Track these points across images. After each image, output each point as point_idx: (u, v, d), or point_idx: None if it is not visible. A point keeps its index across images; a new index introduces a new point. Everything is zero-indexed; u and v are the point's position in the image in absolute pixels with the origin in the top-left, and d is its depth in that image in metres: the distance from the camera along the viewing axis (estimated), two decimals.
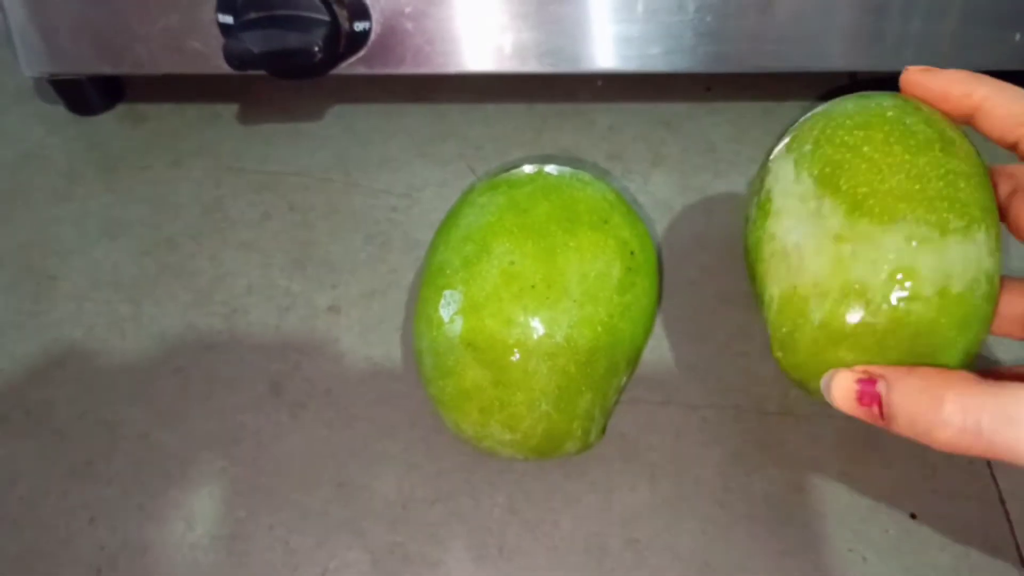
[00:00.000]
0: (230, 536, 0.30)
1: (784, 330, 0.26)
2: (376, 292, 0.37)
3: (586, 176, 0.31)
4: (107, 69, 0.42)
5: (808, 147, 0.26)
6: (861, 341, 0.24)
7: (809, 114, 0.28)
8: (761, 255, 0.27)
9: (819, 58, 0.40)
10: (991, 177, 0.26)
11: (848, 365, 0.24)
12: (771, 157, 0.28)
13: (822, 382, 0.25)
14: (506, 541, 0.30)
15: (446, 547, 0.30)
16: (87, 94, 0.45)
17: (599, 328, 0.28)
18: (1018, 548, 0.29)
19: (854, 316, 0.24)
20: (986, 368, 0.26)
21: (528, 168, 0.31)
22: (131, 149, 0.43)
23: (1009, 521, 0.30)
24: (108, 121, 0.45)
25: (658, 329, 0.35)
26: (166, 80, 0.44)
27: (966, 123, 0.26)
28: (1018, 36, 0.39)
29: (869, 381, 0.23)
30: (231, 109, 0.45)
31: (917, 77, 0.26)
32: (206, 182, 0.42)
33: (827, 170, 0.25)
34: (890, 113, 0.25)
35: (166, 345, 0.36)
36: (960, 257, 0.23)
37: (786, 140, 0.28)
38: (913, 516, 0.30)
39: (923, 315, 0.23)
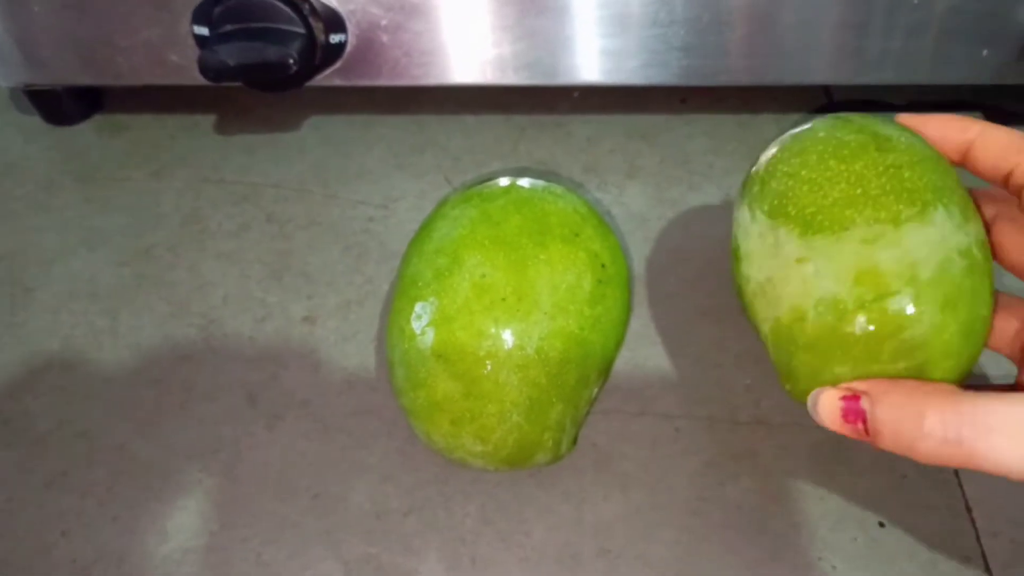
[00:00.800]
0: (204, 548, 0.30)
1: (783, 362, 0.26)
2: (352, 303, 0.37)
3: (558, 189, 0.32)
4: (86, 80, 0.42)
5: (756, 188, 0.27)
6: (850, 352, 0.24)
7: (757, 160, 0.28)
8: (746, 299, 0.28)
9: (793, 72, 0.41)
10: (975, 200, 0.26)
11: (845, 379, 0.24)
12: (735, 207, 0.29)
13: (808, 403, 0.25)
14: (479, 551, 0.30)
15: (420, 557, 0.30)
16: (64, 104, 0.45)
17: (570, 340, 0.28)
18: (984, 556, 0.30)
19: (834, 330, 0.24)
20: (976, 383, 0.26)
21: (501, 181, 0.32)
22: (109, 159, 0.44)
23: (975, 529, 0.31)
24: (86, 131, 0.45)
25: (632, 340, 0.35)
26: (145, 90, 0.44)
27: (960, 164, 0.26)
28: (985, 52, 0.40)
29: (853, 398, 0.23)
30: (210, 120, 0.45)
31: (911, 122, 0.26)
32: (185, 193, 0.42)
33: (775, 202, 0.26)
34: (822, 134, 0.26)
35: (143, 356, 0.36)
36: (921, 242, 0.23)
37: (738, 196, 0.29)
38: (882, 524, 0.31)
39: (900, 309, 0.23)
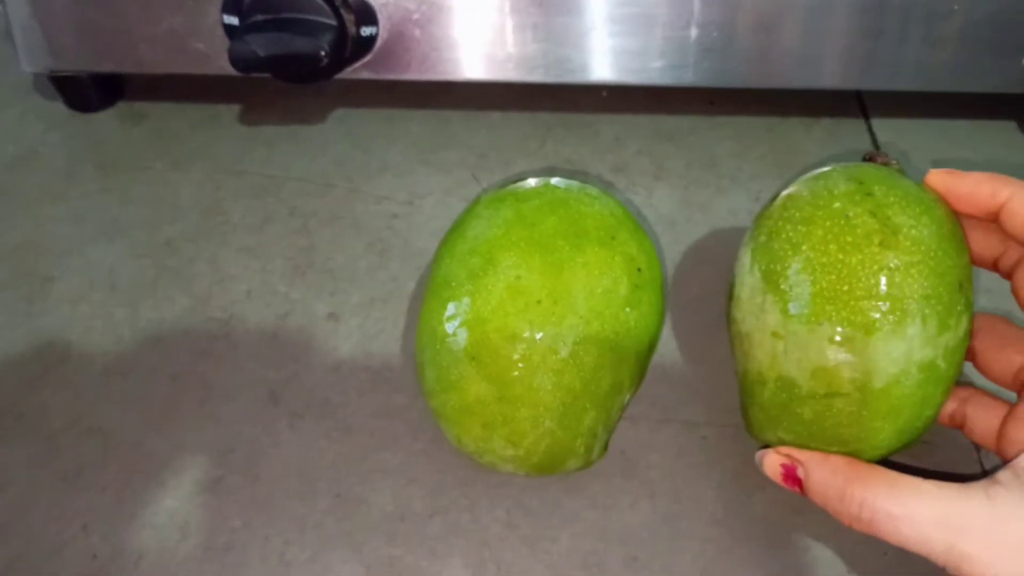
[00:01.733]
0: (224, 547, 0.30)
1: (744, 404, 0.29)
2: (376, 300, 0.37)
3: (593, 191, 0.31)
4: (110, 67, 0.41)
5: (763, 238, 0.27)
6: (794, 427, 0.27)
7: (779, 193, 0.29)
8: (730, 333, 0.30)
9: (821, 77, 0.40)
10: (989, 232, 0.27)
11: (786, 443, 0.27)
12: (744, 240, 0.29)
13: (756, 458, 0.28)
14: (503, 557, 0.30)
15: (443, 562, 0.30)
16: (87, 91, 0.44)
17: (605, 345, 0.28)
18: None
19: (785, 406, 0.26)
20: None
21: (535, 181, 0.31)
22: (130, 149, 0.43)
23: None
24: (107, 119, 0.44)
25: (660, 345, 0.35)
26: (167, 79, 0.43)
27: (991, 222, 0.27)
28: (1023, 61, 0.39)
29: (791, 465, 0.27)
30: (233, 110, 0.44)
31: (943, 178, 0.27)
32: (206, 184, 0.41)
33: (772, 267, 0.26)
34: (836, 205, 0.26)
35: (162, 351, 0.35)
36: (884, 354, 0.24)
37: (751, 227, 0.29)
38: None
39: (843, 408, 0.25)
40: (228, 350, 0.35)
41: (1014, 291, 0.28)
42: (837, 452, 0.26)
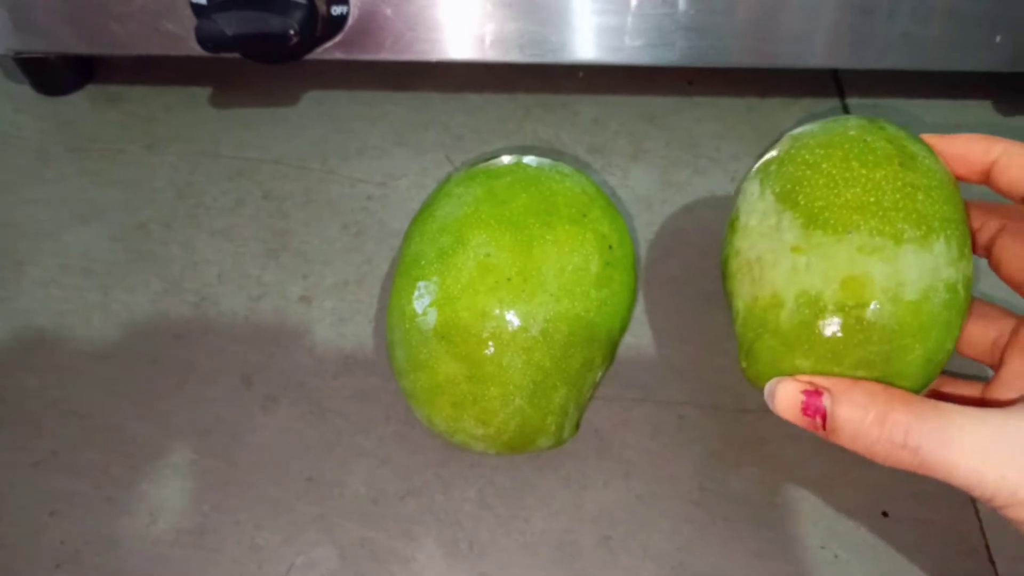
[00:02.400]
0: (197, 530, 0.30)
1: (747, 341, 0.26)
2: (350, 282, 0.36)
3: (565, 168, 0.31)
4: (79, 48, 0.41)
5: (773, 167, 0.27)
6: (816, 349, 0.24)
7: (782, 136, 0.28)
8: (729, 270, 0.28)
9: (802, 56, 0.40)
10: (979, 211, 0.27)
11: (804, 372, 0.24)
12: (744, 178, 0.28)
13: (766, 389, 0.25)
14: (477, 537, 0.30)
15: (417, 542, 0.29)
16: (56, 73, 0.44)
17: (575, 323, 0.27)
18: (988, 548, 0.30)
19: (808, 324, 0.24)
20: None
21: (507, 159, 0.31)
22: (104, 131, 0.42)
23: (980, 520, 0.30)
24: (79, 102, 0.44)
25: (636, 326, 0.35)
26: (140, 61, 0.43)
27: (983, 182, 0.26)
28: (999, 38, 0.39)
29: (815, 393, 0.24)
30: (207, 92, 0.44)
31: (935, 141, 0.26)
32: (180, 167, 0.41)
33: (788, 187, 0.25)
34: (852, 132, 0.26)
35: (137, 334, 0.35)
36: (915, 266, 0.23)
37: (757, 162, 0.28)
38: (886, 515, 0.30)
39: (875, 322, 0.23)
40: (202, 333, 0.35)
41: (993, 266, 0.27)
42: (862, 377, 0.24)
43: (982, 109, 0.44)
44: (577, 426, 0.30)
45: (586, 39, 0.39)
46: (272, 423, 0.32)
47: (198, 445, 0.32)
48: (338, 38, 0.38)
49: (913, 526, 0.30)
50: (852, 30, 0.39)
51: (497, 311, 0.27)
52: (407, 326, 0.28)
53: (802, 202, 0.25)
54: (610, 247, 0.29)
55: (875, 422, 0.22)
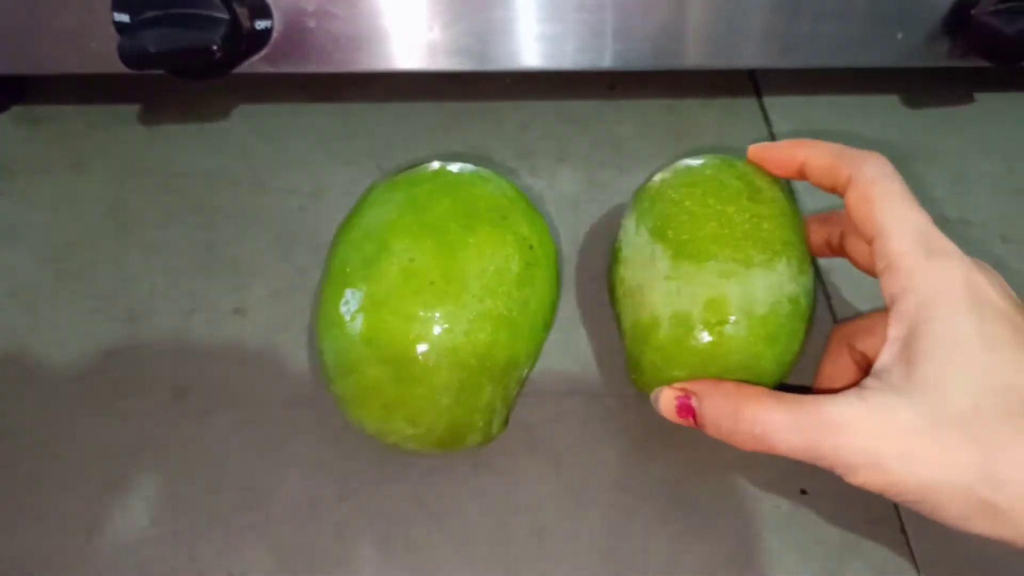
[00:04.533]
0: (134, 544, 0.30)
1: (635, 357, 0.30)
2: (283, 293, 0.37)
3: (486, 173, 0.32)
4: (2, 69, 0.40)
5: (646, 204, 0.31)
6: (689, 361, 0.28)
7: (655, 175, 0.33)
8: (616, 296, 0.32)
9: (717, 57, 0.42)
10: (817, 222, 0.32)
11: (681, 380, 0.29)
12: (623, 215, 0.33)
13: (652, 397, 0.30)
14: (412, 535, 0.30)
15: (353, 544, 0.30)
16: None
17: (499, 322, 0.28)
18: (899, 517, 0.31)
19: (680, 341, 0.28)
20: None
21: (428, 166, 0.32)
22: (29, 152, 0.42)
23: None
24: (3, 123, 0.43)
25: (562, 321, 0.36)
26: (65, 80, 0.43)
27: (801, 179, 0.30)
28: (900, 35, 0.41)
29: (685, 396, 0.28)
30: (134, 110, 0.44)
31: (759, 150, 0.31)
32: (108, 184, 0.41)
33: (658, 223, 0.30)
34: (709, 172, 0.31)
35: (66, 353, 0.35)
36: (763, 285, 0.28)
37: (630, 204, 0.33)
38: (804, 492, 0.32)
39: (733, 335, 0.28)
40: (133, 350, 0.35)
41: (851, 262, 0.31)
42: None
43: (891, 103, 0.47)
44: (506, 422, 0.31)
45: (513, 47, 0.40)
46: (206, 435, 0.32)
47: (130, 460, 0.32)
48: (264, 52, 0.39)
49: (830, 501, 0.32)
50: (765, 31, 0.41)
51: (422, 314, 0.28)
52: (335, 332, 0.29)
53: (671, 236, 0.29)
54: (531, 247, 0.30)
55: (730, 417, 0.26)
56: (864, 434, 0.24)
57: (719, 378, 0.28)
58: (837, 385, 0.31)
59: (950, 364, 0.24)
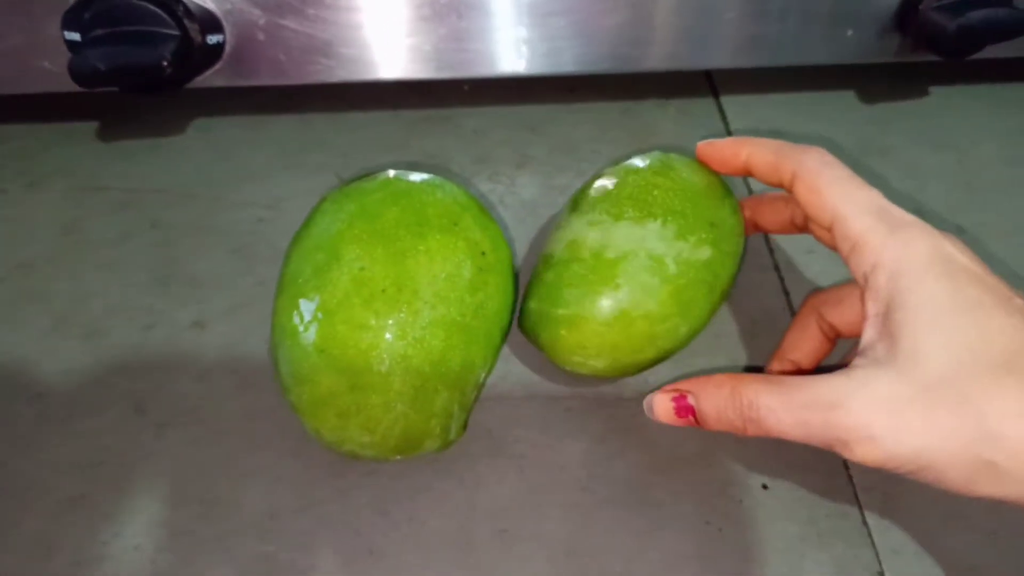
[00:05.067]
0: (95, 559, 0.30)
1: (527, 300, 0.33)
2: (242, 306, 0.37)
3: (438, 180, 0.32)
4: None
5: (577, 195, 0.34)
6: (538, 291, 0.32)
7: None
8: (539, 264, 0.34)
9: (673, 59, 0.42)
10: (781, 201, 0.33)
11: (535, 311, 0.32)
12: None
13: (645, 405, 0.30)
14: (375, 542, 0.30)
15: (316, 553, 0.30)
16: None
17: (452, 328, 0.29)
18: (860, 510, 0.32)
19: (538, 275, 0.32)
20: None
21: (379, 175, 0.32)
22: None
23: (853, 485, 0.32)
24: None
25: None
26: (16, 100, 0.42)
27: (748, 175, 0.31)
28: (850, 32, 0.42)
29: (681, 396, 0.28)
30: (89, 127, 0.44)
31: (703, 147, 0.32)
32: (63, 203, 0.40)
33: (575, 198, 0.33)
34: (638, 162, 0.33)
35: (23, 372, 0.35)
36: (623, 236, 0.30)
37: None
38: (765, 487, 0.32)
39: (576, 271, 0.30)
40: (92, 366, 0.35)
41: (817, 238, 0.31)
42: (564, 314, 0.30)
43: (846, 99, 0.47)
44: (464, 427, 0.31)
45: (469, 54, 0.40)
46: (165, 449, 0.32)
47: (89, 477, 0.32)
48: (217, 66, 0.39)
49: (791, 495, 0.32)
50: (720, 32, 0.41)
51: (373, 322, 0.28)
52: (289, 343, 0.29)
53: (581, 205, 0.32)
54: (483, 253, 0.30)
55: (728, 405, 0.27)
56: (854, 410, 0.24)
57: (554, 310, 0.30)
58: (799, 352, 0.32)
59: (928, 330, 0.24)
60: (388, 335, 0.28)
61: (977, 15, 0.39)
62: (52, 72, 0.39)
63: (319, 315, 0.28)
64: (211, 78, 0.39)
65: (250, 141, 0.43)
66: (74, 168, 0.42)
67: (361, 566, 0.30)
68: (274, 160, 0.43)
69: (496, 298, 0.31)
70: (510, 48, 0.40)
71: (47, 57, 0.38)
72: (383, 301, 0.28)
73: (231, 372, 0.35)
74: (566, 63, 0.41)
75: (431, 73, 0.41)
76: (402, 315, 0.28)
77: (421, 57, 0.40)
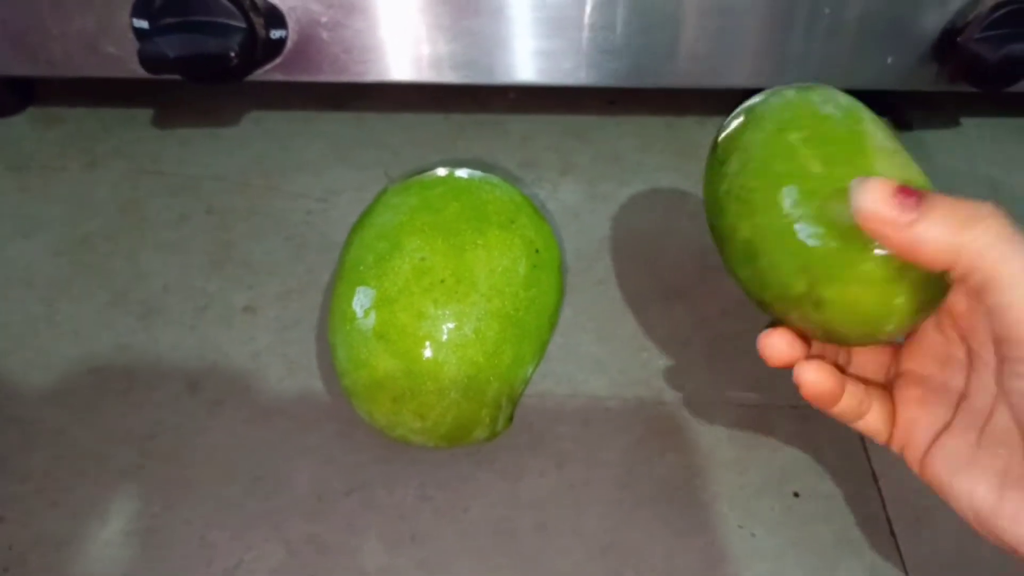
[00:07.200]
0: (146, 530, 0.31)
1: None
2: (293, 292, 0.38)
3: (495, 179, 0.33)
4: (19, 70, 0.41)
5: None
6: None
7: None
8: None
9: (715, 76, 0.43)
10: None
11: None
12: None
13: (852, 184, 0.24)
14: (418, 528, 0.31)
15: (361, 536, 0.31)
16: None
17: (506, 321, 0.30)
18: (889, 521, 0.32)
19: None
20: None
21: (440, 171, 0.33)
22: (44, 150, 0.43)
23: (881, 497, 0.33)
24: (18, 124, 0.45)
25: (564, 326, 0.37)
26: (80, 82, 0.44)
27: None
28: (890, 59, 0.43)
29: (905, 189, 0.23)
30: (147, 113, 0.45)
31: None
32: (122, 184, 0.42)
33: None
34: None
35: (81, 344, 0.36)
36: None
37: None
38: (796, 494, 0.33)
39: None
40: (148, 343, 0.36)
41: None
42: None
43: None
44: (511, 419, 0.32)
45: (515, 62, 0.41)
46: (218, 426, 0.33)
47: (144, 449, 0.33)
48: (277, 60, 0.40)
49: (821, 503, 0.33)
50: (761, 52, 0.42)
51: (432, 311, 0.29)
52: (348, 328, 0.30)
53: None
54: (536, 251, 0.31)
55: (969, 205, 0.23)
56: None
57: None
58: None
59: None
60: (446, 324, 0.29)
61: (1021, 47, 0.40)
62: (115, 56, 0.40)
63: (379, 302, 0.29)
64: (270, 72, 0.40)
65: (303, 135, 0.45)
66: (132, 151, 0.43)
67: (404, 551, 0.31)
68: (326, 154, 0.44)
69: (547, 295, 0.32)
70: (554, 58, 0.41)
71: (112, 42, 0.40)
72: (442, 291, 0.29)
73: (281, 356, 0.36)
74: (610, 76, 0.42)
75: (478, 78, 0.42)
76: (460, 306, 0.29)
77: (469, 63, 0.41)
